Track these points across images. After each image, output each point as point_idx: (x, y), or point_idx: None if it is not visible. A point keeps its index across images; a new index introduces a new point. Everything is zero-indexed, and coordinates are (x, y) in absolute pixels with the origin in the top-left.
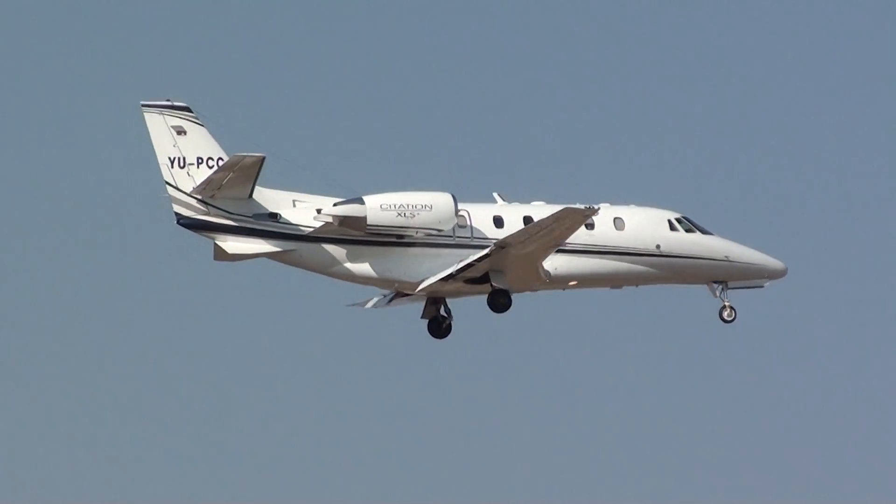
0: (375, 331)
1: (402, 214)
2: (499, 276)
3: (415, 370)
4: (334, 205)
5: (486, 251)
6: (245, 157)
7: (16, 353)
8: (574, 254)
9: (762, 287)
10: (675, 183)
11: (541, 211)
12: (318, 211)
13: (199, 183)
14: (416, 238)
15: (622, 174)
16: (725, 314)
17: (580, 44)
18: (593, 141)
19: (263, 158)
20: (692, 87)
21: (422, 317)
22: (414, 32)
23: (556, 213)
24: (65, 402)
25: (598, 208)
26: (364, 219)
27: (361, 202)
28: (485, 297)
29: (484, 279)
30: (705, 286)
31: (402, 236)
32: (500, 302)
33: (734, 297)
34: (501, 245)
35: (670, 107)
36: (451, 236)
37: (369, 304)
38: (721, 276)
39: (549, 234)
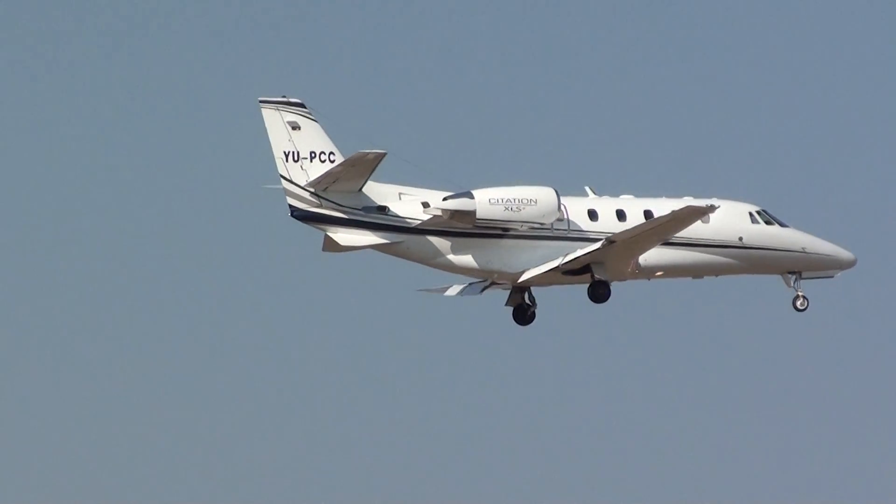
0: (465, 318)
1: (509, 208)
2: (600, 268)
3: (503, 355)
4: (444, 199)
5: (597, 245)
6: (368, 153)
7: (139, 332)
8: (662, 245)
9: (832, 277)
10: (743, 174)
11: (628, 204)
12: (425, 205)
13: (314, 176)
14: (520, 231)
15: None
16: (799, 303)
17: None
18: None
19: (384, 155)
20: (750, 75)
21: (506, 304)
22: (508, 29)
23: (678, 210)
24: (184, 384)
25: (719, 206)
26: (474, 213)
27: (471, 196)
28: (573, 286)
29: (583, 270)
30: (779, 276)
31: (507, 229)
32: (601, 292)
33: (806, 287)
34: (612, 240)
35: (731, 99)
36: (549, 229)
37: (451, 292)
38: (796, 266)
39: (663, 231)
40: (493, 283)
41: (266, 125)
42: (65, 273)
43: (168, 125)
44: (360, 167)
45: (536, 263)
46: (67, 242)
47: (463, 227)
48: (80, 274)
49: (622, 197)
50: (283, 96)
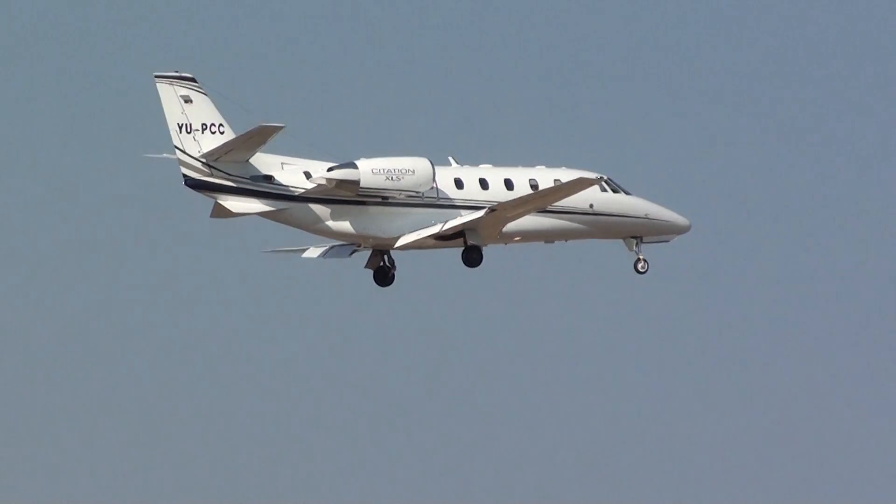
0: (328, 279)
1: (390, 178)
2: (473, 234)
3: (366, 315)
4: (329, 169)
5: (480, 214)
6: (269, 125)
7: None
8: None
9: (668, 242)
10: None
11: (490, 173)
12: (307, 174)
13: (207, 148)
14: (398, 199)
15: (530, 136)
16: (640, 266)
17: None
18: (508, 105)
19: (283, 127)
20: (588, 47)
21: (366, 266)
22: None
23: (572, 181)
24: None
25: (605, 178)
26: (358, 182)
27: (355, 167)
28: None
29: (455, 236)
30: (621, 241)
31: (386, 197)
32: (474, 257)
33: (646, 250)
34: (493, 209)
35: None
36: (422, 197)
37: (310, 254)
38: (639, 232)
39: (544, 201)
40: (362, 247)
41: (161, 99)
42: None
43: (71, 102)
44: (257, 139)
45: (411, 229)
46: None
47: (346, 196)
48: None
49: (481, 166)
50: (176, 71)
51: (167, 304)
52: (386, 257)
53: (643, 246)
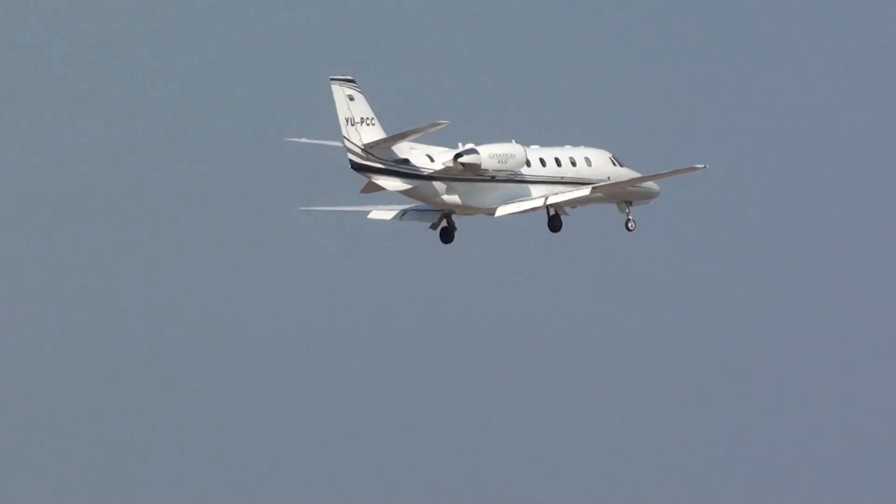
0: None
1: (501, 161)
2: (560, 206)
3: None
4: (455, 155)
5: (586, 191)
6: (437, 123)
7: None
8: (569, 185)
9: (648, 204)
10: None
11: (558, 152)
12: (429, 157)
13: (367, 138)
14: (500, 177)
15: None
16: (630, 225)
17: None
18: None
19: (447, 124)
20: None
21: (430, 227)
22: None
23: (686, 167)
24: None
25: (703, 167)
26: (480, 164)
27: (477, 153)
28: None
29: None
30: (615, 204)
31: (493, 177)
32: (558, 224)
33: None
34: (595, 187)
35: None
36: (517, 174)
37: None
38: (632, 197)
39: (633, 182)
40: (445, 215)
41: (334, 97)
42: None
43: (263, 101)
44: (419, 133)
45: (506, 201)
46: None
47: (467, 175)
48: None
49: (533, 147)
50: (344, 75)
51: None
52: (447, 220)
53: (631, 209)
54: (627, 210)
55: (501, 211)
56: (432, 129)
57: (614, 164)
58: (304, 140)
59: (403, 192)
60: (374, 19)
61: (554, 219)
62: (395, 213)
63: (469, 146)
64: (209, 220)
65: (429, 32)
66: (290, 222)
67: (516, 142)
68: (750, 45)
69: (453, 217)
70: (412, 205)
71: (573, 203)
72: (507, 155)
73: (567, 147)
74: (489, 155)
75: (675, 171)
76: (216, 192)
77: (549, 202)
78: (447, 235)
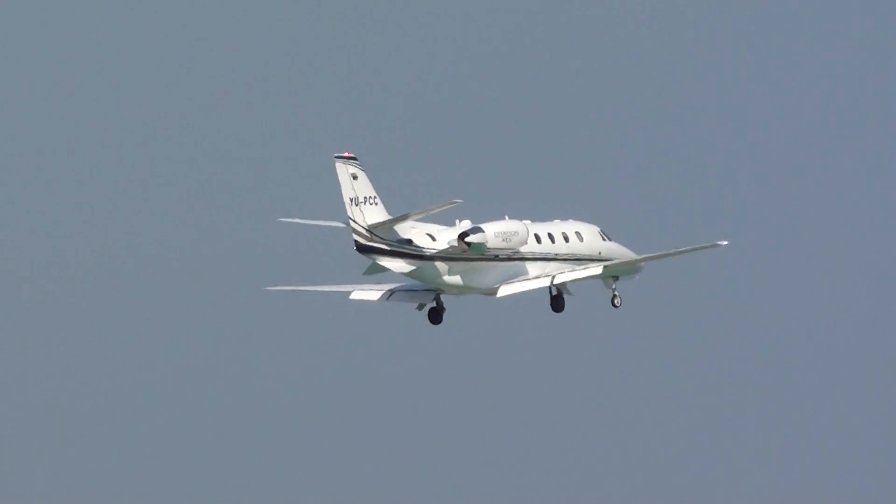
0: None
1: (505, 240)
2: (564, 286)
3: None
4: (460, 235)
5: (598, 271)
6: (453, 201)
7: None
8: (569, 262)
9: (634, 279)
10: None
11: (553, 228)
12: (430, 236)
13: (371, 218)
14: (501, 255)
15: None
16: (616, 301)
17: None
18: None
19: (461, 202)
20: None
21: (418, 308)
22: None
23: (707, 244)
24: None
25: (724, 244)
26: (485, 244)
27: (483, 231)
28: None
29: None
30: (601, 280)
31: (496, 255)
32: (561, 304)
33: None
34: (606, 265)
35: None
36: (518, 252)
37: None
38: (619, 272)
39: (641, 261)
40: (436, 295)
41: (338, 176)
42: None
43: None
44: (430, 212)
45: (505, 280)
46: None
47: (469, 255)
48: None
49: (524, 222)
50: (346, 152)
51: None
52: (437, 301)
53: (616, 283)
54: (614, 286)
55: (504, 291)
56: (447, 208)
57: (603, 239)
58: (297, 220)
59: (406, 274)
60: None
61: (557, 298)
62: (382, 293)
63: (465, 223)
64: (190, 296)
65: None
66: (259, 301)
67: (509, 218)
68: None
69: (442, 298)
70: (399, 284)
71: (571, 282)
72: (511, 233)
73: (557, 222)
74: (494, 233)
75: (697, 248)
76: (208, 266)
77: (556, 282)
78: (436, 316)
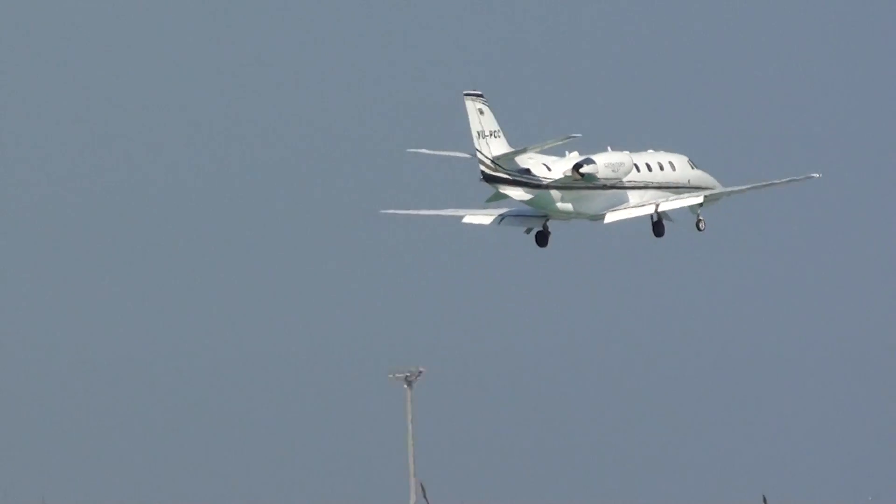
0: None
1: (614, 170)
2: (665, 213)
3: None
4: (575, 165)
5: (700, 199)
6: (572, 135)
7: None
8: (664, 189)
9: (716, 204)
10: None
11: (649, 158)
12: (547, 167)
13: (496, 150)
14: (608, 184)
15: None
16: (701, 225)
17: None
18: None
19: (580, 136)
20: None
21: (526, 231)
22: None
23: (802, 176)
24: None
25: (818, 175)
26: (597, 174)
27: (594, 163)
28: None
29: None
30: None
31: (605, 185)
32: (661, 229)
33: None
34: (707, 195)
35: None
36: (622, 181)
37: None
38: (708, 200)
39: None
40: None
41: (468, 112)
42: None
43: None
44: (551, 145)
45: (611, 207)
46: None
47: (580, 184)
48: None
49: (625, 152)
50: (474, 90)
51: None
52: (544, 225)
53: (700, 209)
54: (699, 211)
55: (611, 217)
56: (565, 141)
57: (692, 168)
58: (424, 151)
59: (525, 202)
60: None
61: (658, 224)
62: (493, 217)
63: (573, 154)
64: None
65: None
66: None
67: (611, 149)
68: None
69: (549, 223)
70: (510, 209)
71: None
72: (618, 164)
73: (650, 152)
74: (604, 164)
75: (791, 181)
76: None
77: (660, 209)
78: (543, 239)
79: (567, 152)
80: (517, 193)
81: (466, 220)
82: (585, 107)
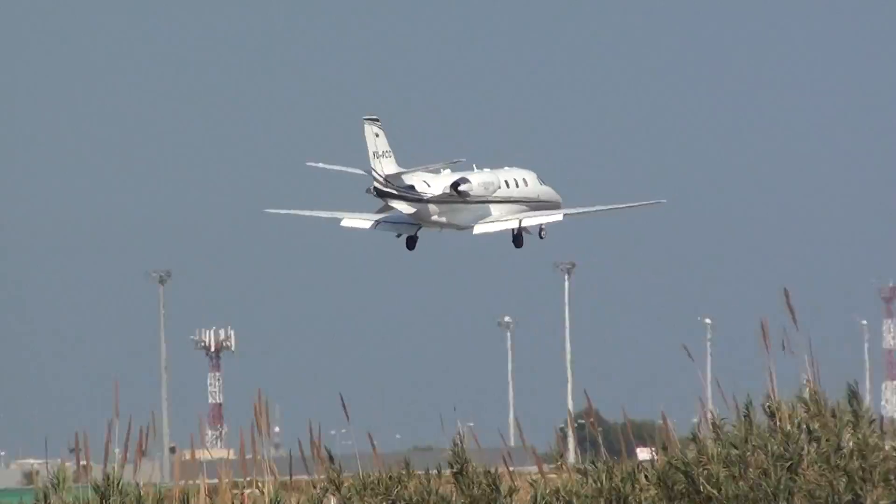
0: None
1: (486, 188)
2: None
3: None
4: (452, 183)
5: (560, 217)
6: (455, 160)
7: None
8: (522, 203)
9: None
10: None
11: (506, 175)
12: (426, 183)
13: (387, 170)
14: (477, 199)
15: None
16: (543, 234)
17: None
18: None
19: (463, 160)
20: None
21: (398, 236)
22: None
23: (651, 202)
24: None
25: (663, 201)
26: (471, 192)
27: (469, 182)
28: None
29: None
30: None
31: (475, 200)
32: (521, 241)
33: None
34: (567, 213)
35: None
36: (490, 196)
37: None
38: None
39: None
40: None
41: (365, 134)
42: None
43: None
44: (438, 167)
45: (480, 220)
46: None
47: (460, 199)
48: None
49: (485, 170)
50: (371, 114)
51: None
52: (417, 230)
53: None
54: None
55: (479, 229)
56: (452, 164)
57: (541, 184)
58: (321, 165)
59: (409, 215)
60: None
61: (518, 236)
62: (370, 222)
63: (446, 171)
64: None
65: None
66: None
67: (476, 167)
68: None
69: (421, 231)
70: (387, 216)
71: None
72: (490, 183)
73: (505, 169)
74: (478, 183)
75: (638, 205)
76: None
77: (523, 224)
78: (412, 243)
79: (441, 170)
80: (402, 207)
81: (344, 223)
82: (453, 130)
